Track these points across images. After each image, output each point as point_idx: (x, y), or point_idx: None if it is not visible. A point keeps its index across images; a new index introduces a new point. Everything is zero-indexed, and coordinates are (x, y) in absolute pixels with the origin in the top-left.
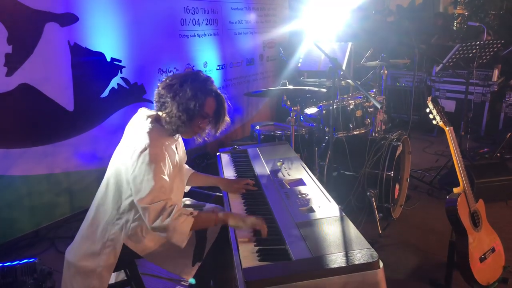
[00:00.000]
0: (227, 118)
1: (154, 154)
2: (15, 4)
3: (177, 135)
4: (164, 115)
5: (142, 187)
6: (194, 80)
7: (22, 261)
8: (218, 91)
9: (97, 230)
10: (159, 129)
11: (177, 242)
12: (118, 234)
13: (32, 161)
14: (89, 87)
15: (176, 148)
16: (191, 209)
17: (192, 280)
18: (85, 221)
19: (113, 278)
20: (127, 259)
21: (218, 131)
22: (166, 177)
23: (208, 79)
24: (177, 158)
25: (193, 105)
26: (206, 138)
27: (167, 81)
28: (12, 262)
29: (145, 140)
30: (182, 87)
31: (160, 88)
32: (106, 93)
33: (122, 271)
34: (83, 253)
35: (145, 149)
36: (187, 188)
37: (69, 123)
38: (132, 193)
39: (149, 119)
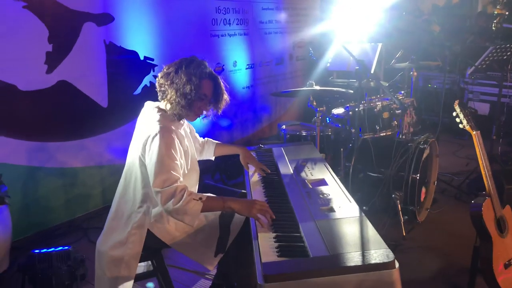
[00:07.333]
0: (226, 97)
1: (164, 139)
2: (55, 5)
3: (182, 119)
4: (165, 102)
5: (154, 171)
6: (188, 65)
7: (57, 249)
8: (213, 72)
9: (121, 221)
10: (165, 116)
11: (188, 223)
12: (142, 220)
13: (68, 154)
14: (123, 84)
15: (185, 133)
16: (200, 194)
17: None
18: (110, 214)
19: (140, 268)
20: (153, 248)
21: (220, 110)
22: (177, 161)
23: (202, 62)
24: (186, 141)
25: (189, 89)
26: (213, 119)
27: (165, 70)
28: (48, 249)
29: (155, 127)
30: (177, 74)
31: (159, 77)
32: (138, 90)
33: (149, 262)
34: (111, 243)
35: (156, 135)
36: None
37: (103, 119)
38: (150, 179)
39: (156, 109)
